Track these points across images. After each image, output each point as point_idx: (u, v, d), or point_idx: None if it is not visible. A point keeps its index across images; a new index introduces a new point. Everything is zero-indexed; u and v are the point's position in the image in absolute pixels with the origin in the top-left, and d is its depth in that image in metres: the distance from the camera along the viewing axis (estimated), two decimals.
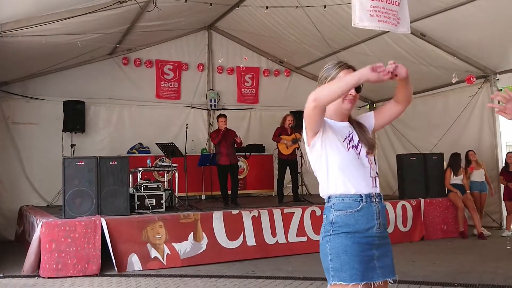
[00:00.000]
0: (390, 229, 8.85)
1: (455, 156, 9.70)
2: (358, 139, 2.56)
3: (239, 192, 9.47)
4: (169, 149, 8.99)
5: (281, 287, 5.83)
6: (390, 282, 2.47)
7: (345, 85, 2.29)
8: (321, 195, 2.59)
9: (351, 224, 2.43)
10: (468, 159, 9.90)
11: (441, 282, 5.90)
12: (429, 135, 11.57)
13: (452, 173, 9.61)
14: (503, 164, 10.11)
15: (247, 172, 11.88)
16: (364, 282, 2.37)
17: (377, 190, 2.54)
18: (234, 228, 7.63)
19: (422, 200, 9.38)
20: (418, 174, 9.72)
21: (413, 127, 12.16)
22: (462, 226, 9.48)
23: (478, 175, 9.82)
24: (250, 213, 7.88)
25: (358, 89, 2.55)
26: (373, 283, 2.40)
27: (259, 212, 7.93)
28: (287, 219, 8.03)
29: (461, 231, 9.44)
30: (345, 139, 2.53)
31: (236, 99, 12.76)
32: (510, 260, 7.36)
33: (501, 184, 10.03)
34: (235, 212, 7.84)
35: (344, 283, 2.37)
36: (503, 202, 10.01)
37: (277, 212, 8.03)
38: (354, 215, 2.45)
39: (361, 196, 2.47)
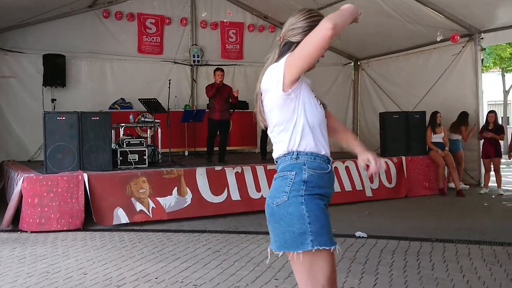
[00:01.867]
0: (375, 185, 9.00)
1: (434, 115, 9.78)
2: (317, 98, 2.37)
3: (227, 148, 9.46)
4: (152, 105, 8.91)
5: (262, 242, 5.92)
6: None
7: (351, 16, 2.19)
8: (278, 153, 2.33)
9: (321, 186, 2.27)
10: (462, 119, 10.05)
11: (419, 238, 6.04)
12: (412, 93, 11.62)
13: (432, 132, 9.72)
14: (484, 123, 10.23)
15: (231, 129, 11.84)
16: (336, 246, 2.24)
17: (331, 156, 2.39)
18: (218, 184, 7.68)
19: (404, 158, 9.50)
20: (400, 132, 9.80)
21: (395, 85, 12.19)
22: (441, 183, 9.66)
23: (455, 134, 9.99)
24: (233, 169, 7.92)
25: None
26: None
27: (242, 169, 7.97)
28: (270, 175, 8.07)
29: (440, 188, 9.63)
30: (314, 96, 2.35)
31: (220, 54, 12.59)
32: (487, 217, 7.55)
33: (480, 141, 10.18)
34: (218, 168, 7.87)
35: (327, 248, 2.19)
36: (481, 161, 10.19)
37: (260, 169, 8.08)
38: (325, 177, 2.29)
39: (327, 158, 2.32)
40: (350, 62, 13.75)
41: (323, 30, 2.08)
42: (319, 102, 2.35)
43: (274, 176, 2.35)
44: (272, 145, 2.44)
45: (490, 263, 4.95)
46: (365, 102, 13.41)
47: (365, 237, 6.10)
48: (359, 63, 13.68)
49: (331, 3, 10.44)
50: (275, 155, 2.39)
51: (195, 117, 10.20)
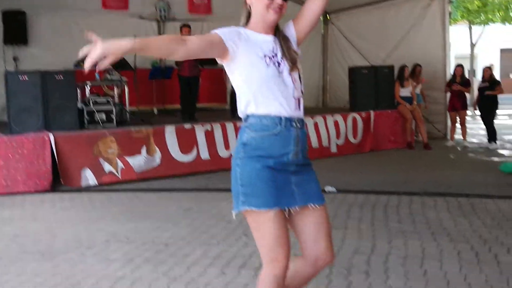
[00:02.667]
0: (340, 141, 9.08)
1: (402, 69, 9.84)
2: (281, 54, 2.31)
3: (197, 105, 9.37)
4: (118, 63, 8.65)
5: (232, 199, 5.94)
6: (312, 206, 2.33)
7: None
8: (239, 114, 2.37)
9: (264, 148, 2.25)
10: (414, 73, 10.09)
11: (387, 191, 6.17)
12: (381, 47, 11.60)
13: (400, 86, 9.79)
14: (451, 76, 10.34)
15: (200, 85, 11.70)
16: (278, 208, 2.23)
17: (300, 114, 2.34)
18: (187, 142, 7.63)
19: (372, 112, 9.57)
20: (369, 87, 9.83)
21: (365, 39, 12.14)
22: (409, 137, 9.82)
23: (417, 88, 10.11)
24: (203, 127, 7.86)
25: None
26: (289, 209, 2.29)
27: (212, 126, 7.92)
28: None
29: (408, 141, 9.79)
30: (266, 54, 2.28)
31: (187, 9, 12.26)
32: (453, 169, 7.74)
33: (446, 94, 10.33)
34: (187, 126, 7.80)
35: (256, 209, 2.21)
36: (448, 113, 10.37)
37: (230, 126, 8.04)
38: (269, 138, 2.26)
39: (280, 118, 2.26)
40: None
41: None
42: (273, 59, 2.29)
43: None
44: None
45: (455, 214, 5.10)
46: (335, 57, 13.33)
47: (335, 192, 6.20)
48: (328, 17, 13.53)
49: None
50: (239, 115, 2.40)
51: (163, 74, 10.02)
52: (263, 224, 2.24)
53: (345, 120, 9.18)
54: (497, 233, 4.46)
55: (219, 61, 2.33)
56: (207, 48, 2.23)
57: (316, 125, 8.78)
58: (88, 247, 4.33)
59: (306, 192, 2.34)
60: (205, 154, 7.74)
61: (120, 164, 7.10)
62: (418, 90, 10.18)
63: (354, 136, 9.32)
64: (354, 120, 9.30)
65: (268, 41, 2.33)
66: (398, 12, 11.42)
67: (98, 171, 6.98)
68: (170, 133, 7.54)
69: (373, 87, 9.85)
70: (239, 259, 3.91)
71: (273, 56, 2.30)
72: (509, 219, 4.91)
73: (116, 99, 8.98)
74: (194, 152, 7.67)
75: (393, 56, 11.12)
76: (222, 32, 2.25)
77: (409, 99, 9.78)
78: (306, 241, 2.40)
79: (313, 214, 2.37)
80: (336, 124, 9.06)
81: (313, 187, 2.38)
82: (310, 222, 2.38)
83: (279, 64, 2.30)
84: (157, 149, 7.38)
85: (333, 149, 8.93)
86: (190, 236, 4.58)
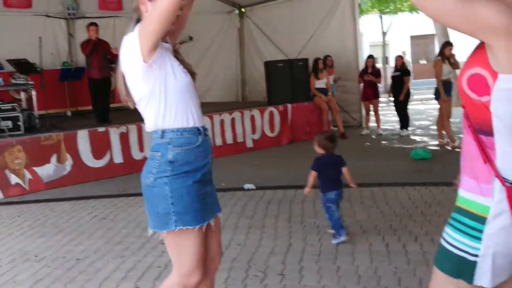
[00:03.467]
0: (257, 136, 9.13)
1: (316, 61, 10.03)
2: (182, 61, 2.27)
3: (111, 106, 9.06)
4: (23, 66, 8.24)
5: None
6: (218, 216, 2.41)
7: None
8: (148, 129, 2.26)
9: (191, 162, 2.21)
10: (325, 64, 10.31)
11: (304, 185, 6.25)
12: (296, 40, 11.77)
13: (315, 78, 9.98)
14: (364, 66, 10.66)
15: (114, 85, 11.35)
16: (205, 223, 2.24)
17: (204, 122, 2.34)
18: (100, 146, 7.38)
19: (289, 106, 9.70)
20: (285, 80, 9.95)
21: (280, 32, 12.26)
22: (326, 127, 10.03)
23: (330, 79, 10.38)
24: (118, 129, 7.64)
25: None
26: (210, 222, 2.29)
27: (127, 128, 7.71)
28: None
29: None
30: (179, 63, 2.23)
31: (97, 5, 11.82)
32: (367, 158, 7.97)
33: (360, 85, 10.64)
34: (101, 129, 7.55)
35: (191, 227, 2.19)
36: (362, 103, 10.71)
37: (145, 127, 7.84)
38: (194, 151, 2.22)
39: (198, 129, 2.24)
40: (234, 10, 13.56)
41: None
42: (183, 67, 2.24)
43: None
44: None
45: (367, 205, 5.27)
46: (252, 51, 13.39)
47: (254, 189, 6.21)
48: (243, 10, 13.54)
49: None
50: (147, 130, 2.31)
51: (74, 75, 9.64)
52: (188, 240, 2.23)
53: (262, 114, 9.25)
54: (406, 222, 4.64)
55: (136, 60, 2.11)
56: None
57: (232, 121, 8.78)
58: None
59: (213, 202, 2.36)
60: (118, 158, 7.52)
61: (27, 175, 6.76)
62: (331, 81, 10.44)
63: (271, 130, 9.40)
64: (271, 114, 9.39)
65: (171, 49, 2.26)
66: (309, 5, 11.61)
67: (3, 183, 6.61)
68: (82, 138, 7.26)
69: (289, 80, 9.98)
70: (154, 270, 3.82)
71: (180, 64, 2.24)
72: (418, 206, 5.13)
73: (24, 104, 8.54)
74: (107, 157, 7.43)
75: (307, 49, 11.31)
76: None
77: (324, 91, 9.99)
78: (208, 254, 2.40)
79: (217, 226, 2.41)
80: (252, 118, 9.10)
81: (215, 195, 2.40)
82: (215, 235, 2.41)
83: (186, 72, 2.25)
84: (68, 156, 7.09)
85: (249, 144, 8.96)
86: (104, 248, 4.42)
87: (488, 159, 1.64)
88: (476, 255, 1.66)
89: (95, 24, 8.52)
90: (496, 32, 1.48)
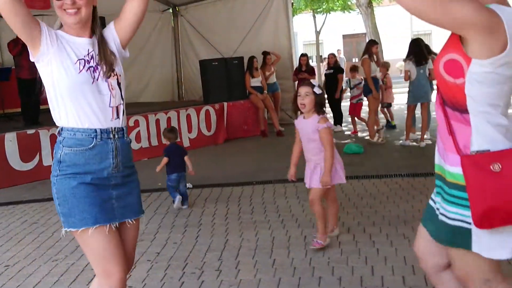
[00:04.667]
0: (193, 135, 9.09)
1: (251, 60, 10.10)
2: (98, 58, 2.16)
3: (41, 107, 8.73)
4: None
5: None
6: (130, 222, 2.30)
7: None
8: (56, 124, 2.22)
9: (80, 164, 2.14)
10: (264, 62, 10.40)
11: (241, 182, 6.31)
12: (231, 38, 11.79)
13: (251, 76, 10.05)
14: (298, 65, 10.84)
15: (44, 87, 10.97)
16: (98, 225, 2.15)
17: (119, 124, 2.21)
18: (29, 149, 7.11)
19: (225, 104, 9.72)
20: (221, 79, 9.95)
21: (215, 31, 12.24)
22: (262, 125, 10.14)
23: (270, 77, 10.45)
24: (49, 131, 7.38)
25: None
26: (110, 225, 2.19)
27: None
28: None
29: (262, 129, 10.12)
30: (79, 59, 2.13)
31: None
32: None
33: (294, 83, 10.81)
34: (31, 131, 7.27)
35: (74, 229, 2.14)
36: None
37: None
38: (84, 154, 2.14)
39: (95, 131, 2.15)
40: (168, 9, 13.41)
41: None
42: (87, 64, 2.14)
43: None
44: None
45: (302, 199, 5.36)
46: (187, 50, 13.27)
47: (191, 188, 6.19)
48: (177, 9, 13.42)
49: None
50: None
51: (2, 75, 9.22)
52: (87, 241, 2.19)
53: (198, 113, 9.21)
54: (340, 214, 4.73)
55: (31, 53, 2.12)
56: (21, 13, 2.03)
57: (168, 120, 8.69)
58: None
59: (126, 206, 2.29)
60: (48, 160, 7.27)
61: None
62: (274, 79, 10.52)
63: (208, 129, 9.39)
64: (207, 113, 9.37)
65: (84, 44, 2.18)
66: (244, 4, 11.66)
67: None
68: (10, 141, 6.97)
69: (225, 78, 9.98)
70: (88, 273, 3.73)
71: (88, 61, 2.15)
72: (351, 199, 5.29)
73: None
74: (36, 159, 7.16)
75: (242, 47, 11.34)
76: (44, 24, 2.11)
77: (260, 89, 10.07)
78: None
79: (129, 231, 2.34)
80: (188, 117, 9.05)
81: (134, 199, 2.33)
82: (125, 241, 2.33)
83: (94, 69, 2.15)
84: None
85: (186, 143, 8.90)
86: (35, 253, 4.27)
87: (451, 131, 1.83)
88: (470, 223, 1.81)
89: None
90: (471, 28, 1.69)
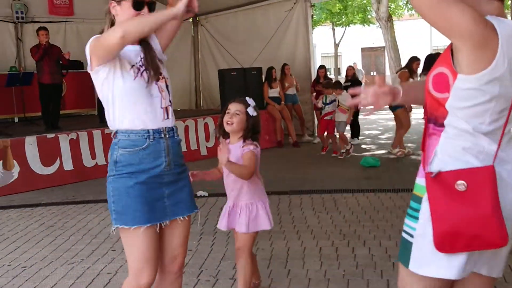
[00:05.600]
0: (210, 144, 9.13)
1: (270, 70, 10.15)
2: (147, 64, 2.31)
3: (61, 112, 8.89)
4: None
5: (102, 211, 5.72)
6: (181, 219, 2.40)
7: (163, 19, 2.18)
8: (110, 127, 2.36)
9: (135, 164, 2.26)
10: (283, 73, 10.42)
11: None
12: (250, 49, 11.86)
13: (269, 87, 10.08)
14: (315, 76, 10.85)
15: (65, 91, 11.11)
16: (150, 224, 2.27)
17: (169, 124, 2.35)
18: (49, 153, 7.20)
19: None
20: (239, 88, 9.98)
21: (235, 41, 12.33)
22: (279, 136, 10.15)
23: (290, 89, 10.44)
24: (68, 136, 7.48)
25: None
26: (161, 223, 2.32)
27: (77, 135, 7.57)
28: (107, 139, 7.76)
29: (278, 140, 10.13)
30: (133, 65, 2.27)
31: (47, 10, 11.58)
32: (318, 166, 8.12)
33: (312, 94, 10.81)
34: (50, 136, 7.37)
35: (126, 226, 2.26)
36: (314, 112, 10.88)
37: (97, 133, 7.75)
38: (138, 154, 2.26)
39: (148, 132, 2.28)
40: (189, 18, 13.52)
41: (112, 37, 2.12)
42: (140, 70, 2.28)
43: None
44: None
45: (318, 211, 5.36)
46: (207, 59, 13.39)
47: (206, 196, 6.21)
48: (198, 19, 13.55)
49: None
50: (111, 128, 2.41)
51: (22, 80, 9.38)
52: (132, 240, 2.29)
53: (215, 122, 9.23)
54: (355, 227, 4.75)
55: (90, 65, 2.25)
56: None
57: (186, 129, 8.75)
58: None
59: (178, 203, 2.39)
60: (68, 165, 7.36)
61: None
62: (294, 90, 10.48)
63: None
64: None
65: (136, 51, 2.32)
66: (264, 15, 11.75)
67: None
68: (30, 144, 7.07)
69: (243, 88, 10.01)
70: (104, 277, 3.76)
71: (140, 67, 2.28)
72: (367, 212, 5.26)
73: None
74: (57, 164, 7.25)
75: (261, 58, 11.41)
76: None
77: (277, 99, 10.10)
78: (167, 256, 2.47)
79: (180, 228, 2.44)
80: (206, 126, 9.10)
81: (185, 196, 2.43)
82: (176, 237, 2.44)
83: (145, 74, 2.29)
84: (15, 163, 6.88)
85: (203, 151, 8.95)
86: (52, 255, 4.32)
87: (423, 147, 1.79)
88: (412, 235, 1.75)
89: (45, 29, 8.35)
90: (464, 36, 1.60)
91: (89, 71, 2.28)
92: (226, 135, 3.04)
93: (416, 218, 1.74)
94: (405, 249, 1.79)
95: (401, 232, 1.86)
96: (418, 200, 1.75)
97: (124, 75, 2.25)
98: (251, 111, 2.96)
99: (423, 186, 1.73)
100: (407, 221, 1.80)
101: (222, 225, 3.10)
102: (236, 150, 2.95)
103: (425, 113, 1.84)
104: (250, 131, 2.96)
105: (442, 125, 1.72)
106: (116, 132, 2.31)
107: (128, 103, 2.26)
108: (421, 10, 1.68)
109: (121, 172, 2.27)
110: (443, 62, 1.71)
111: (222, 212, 3.11)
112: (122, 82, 2.24)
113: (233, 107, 2.95)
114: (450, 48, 1.70)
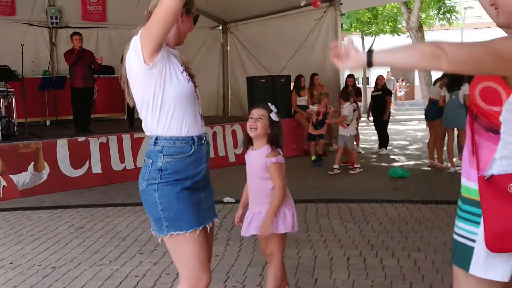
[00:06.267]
0: (238, 150, 9.13)
1: (299, 78, 10.14)
2: (188, 68, 2.29)
3: (92, 116, 9.04)
4: (3, 73, 8.16)
5: (130, 214, 5.79)
6: (212, 222, 2.40)
7: None
8: (146, 132, 2.28)
9: (181, 171, 2.22)
10: (312, 82, 10.40)
11: None
12: (279, 57, 11.88)
13: (297, 95, 10.07)
14: (344, 85, 10.79)
15: (96, 95, 11.27)
16: (202, 226, 2.27)
17: (204, 130, 2.35)
18: (79, 156, 7.33)
19: None
20: (267, 96, 10.00)
21: (263, 49, 12.37)
22: (306, 144, 10.10)
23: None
24: (98, 139, 7.59)
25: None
26: (207, 226, 2.32)
27: (107, 139, 7.67)
28: (136, 144, 7.88)
29: (305, 148, 10.08)
30: (183, 70, 2.23)
31: (80, 16, 11.81)
32: (347, 175, 8.05)
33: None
34: (81, 139, 7.50)
35: (181, 232, 2.22)
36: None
37: (126, 138, 7.84)
38: (184, 161, 2.23)
39: (193, 138, 2.25)
40: (219, 25, 13.66)
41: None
42: (187, 75, 2.25)
43: None
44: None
45: (345, 220, 5.31)
46: (236, 66, 13.46)
47: (233, 202, 6.22)
48: (227, 26, 13.65)
49: None
50: (146, 133, 2.32)
51: (55, 84, 9.57)
52: (186, 245, 2.25)
53: (243, 129, 9.25)
54: (384, 237, 4.69)
55: (138, 62, 2.13)
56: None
57: (214, 135, 8.80)
58: None
59: (210, 207, 2.39)
60: (97, 168, 7.47)
61: (2, 182, 6.68)
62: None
63: None
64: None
65: (178, 55, 2.29)
66: (293, 23, 11.75)
67: None
68: (61, 147, 7.20)
69: (271, 96, 10.04)
70: (132, 280, 3.79)
71: (183, 70, 2.24)
72: (395, 223, 5.19)
73: (3, 112, 8.45)
74: (85, 166, 7.37)
75: (290, 65, 11.41)
76: None
77: (305, 108, 10.07)
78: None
79: (210, 232, 2.42)
80: (233, 133, 9.13)
81: (213, 201, 2.44)
82: (208, 242, 2.41)
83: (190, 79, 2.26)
84: (46, 165, 7.02)
85: (231, 158, 8.97)
86: (81, 257, 4.37)
87: (475, 152, 1.80)
88: (474, 240, 1.77)
89: (78, 34, 8.51)
90: None
91: (141, 69, 2.14)
92: (250, 143, 3.02)
93: (477, 222, 1.77)
94: (463, 253, 1.81)
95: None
96: (477, 204, 1.76)
97: (179, 77, 2.20)
98: (274, 116, 2.94)
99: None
100: (463, 225, 1.82)
101: (248, 231, 3.01)
102: (260, 157, 2.93)
103: (471, 117, 1.86)
104: (275, 136, 2.93)
105: (499, 133, 1.76)
106: (157, 138, 2.23)
107: (178, 109, 2.20)
108: (476, 68, 1.71)
109: (167, 179, 2.21)
110: (490, 77, 1.75)
111: (245, 219, 3.03)
112: (177, 84, 2.19)
113: (256, 113, 2.93)
114: None
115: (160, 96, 2.18)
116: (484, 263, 1.75)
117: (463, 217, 1.83)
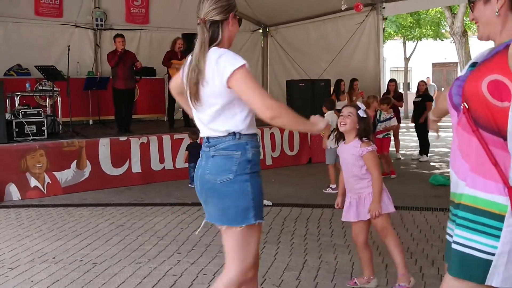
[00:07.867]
0: (276, 154, 9.15)
1: (338, 82, 10.06)
2: None
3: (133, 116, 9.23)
4: (50, 73, 8.41)
5: (168, 214, 5.86)
6: None
7: (300, 129, 2.53)
8: (218, 132, 2.36)
9: (258, 163, 2.44)
10: (351, 87, 10.31)
11: (321, 204, 6.25)
12: (319, 60, 11.84)
13: (337, 99, 9.99)
14: (385, 90, 10.66)
15: (137, 96, 11.50)
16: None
17: None
18: (120, 155, 7.48)
19: None
20: (306, 100, 9.98)
21: (303, 53, 12.34)
22: None
23: (358, 102, 10.29)
24: (139, 139, 7.73)
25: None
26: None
27: (148, 139, 7.80)
28: (176, 145, 7.99)
29: None
30: None
31: (124, 18, 12.07)
32: (386, 181, 7.76)
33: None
34: (123, 139, 7.65)
35: (261, 221, 2.40)
36: None
37: (166, 138, 7.95)
38: (259, 154, 2.45)
39: (257, 135, 2.46)
40: (259, 29, 13.71)
41: (264, 111, 2.24)
42: None
43: (211, 154, 2.39)
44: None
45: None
46: (276, 69, 13.48)
47: (270, 205, 6.22)
48: (268, 30, 13.68)
49: None
50: (208, 133, 2.42)
51: (98, 85, 9.80)
52: (255, 234, 2.41)
53: (281, 133, 9.27)
54: (423, 245, 4.60)
55: (220, 81, 2.32)
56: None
57: None
58: (11, 269, 4.13)
59: None
60: (136, 168, 7.61)
61: (47, 179, 6.88)
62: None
63: (291, 149, 9.41)
64: (291, 133, 9.41)
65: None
66: (334, 27, 11.71)
67: (22, 186, 6.76)
68: (104, 146, 7.37)
69: (310, 100, 10.00)
70: (170, 279, 3.84)
71: None
72: (436, 231, 5.08)
73: (48, 110, 8.71)
74: (125, 166, 7.52)
75: (330, 69, 11.36)
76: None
77: None
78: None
79: None
80: (272, 136, 9.13)
81: None
82: None
83: None
84: (88, 163, 7.20)
85: (268, 161, 8.98)
86: (120, 254, 4.45)
87: (495, 161, 1.73)
88: (493, 254, 1.72)
89: (121, 36, 8.68)
90: None
91: (224, 85, 2.30)
92: (342, 137, 3.49)
93: (497, 236, 1.71)
94: (475, 265, 1.77)
95: None
96: (496, 217, 1.71)
97: None
98: (362, 113, 3.36)
99: (500, 204, 1.70)
100: (479, 238, 1.76)
101: (351, 216, 3.47)
102: (352, 149, 3.37)
103: (470, 120, 1.77)
104: (364, 131, 3.36)
105: (506, 137, 1.70)
106: (239, 133, 2.35)
107: (251, 109, 2.38)
108: None
109: (253, 170, 2.37)
110: (497, 69, 1.69)
111: (345, 206, 3.48)
112: None
113: (346, 110, 3.40)
114: (506, 58, 1.68)
115: (240, 102, 2.36)
116: (503, 274, 1.72)
117: (476, 229, 1.77)
